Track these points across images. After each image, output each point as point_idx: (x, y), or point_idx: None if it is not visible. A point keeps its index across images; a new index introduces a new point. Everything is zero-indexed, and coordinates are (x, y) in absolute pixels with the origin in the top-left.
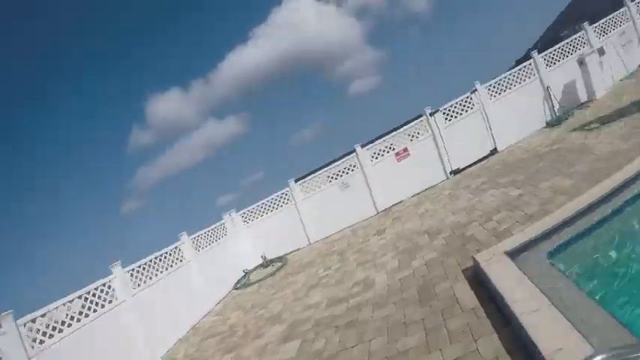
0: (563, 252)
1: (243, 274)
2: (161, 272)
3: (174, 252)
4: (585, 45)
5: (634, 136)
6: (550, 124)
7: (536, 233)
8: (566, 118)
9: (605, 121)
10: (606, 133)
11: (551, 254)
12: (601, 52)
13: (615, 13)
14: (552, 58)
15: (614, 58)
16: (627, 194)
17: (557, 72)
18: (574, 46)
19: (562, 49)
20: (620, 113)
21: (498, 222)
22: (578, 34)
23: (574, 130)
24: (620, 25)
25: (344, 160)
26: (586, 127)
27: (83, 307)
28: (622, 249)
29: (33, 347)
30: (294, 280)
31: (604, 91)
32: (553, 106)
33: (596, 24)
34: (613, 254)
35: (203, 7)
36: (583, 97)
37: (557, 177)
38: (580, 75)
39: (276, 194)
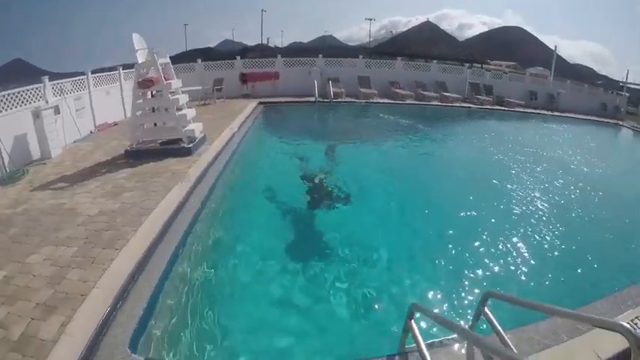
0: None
1: None
2: None
3: None
4: (41, 99)
5: (120, 195)
6: (1, 182)
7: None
8: (21, 176)
9: (76, 180)
10: (85, 193)
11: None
12: (57, 110)
13: (75, 78)
14: (5, 101)
15: (68, 119)
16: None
17: (8, 120)
18: (30, 97)
19: (17, 96)
20: (91, 172)
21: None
22: (36, 86)
23: (37, 189)
24: (78, 91)
25: None
26: (53, 187)
27: None
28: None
29: None
30: None
31: (60, 150)
32: (3, 160)
33: (55, 82)
34: None
35: None
36: (36, 154)
37: (49, 246)
38: (34, 129)
39: None
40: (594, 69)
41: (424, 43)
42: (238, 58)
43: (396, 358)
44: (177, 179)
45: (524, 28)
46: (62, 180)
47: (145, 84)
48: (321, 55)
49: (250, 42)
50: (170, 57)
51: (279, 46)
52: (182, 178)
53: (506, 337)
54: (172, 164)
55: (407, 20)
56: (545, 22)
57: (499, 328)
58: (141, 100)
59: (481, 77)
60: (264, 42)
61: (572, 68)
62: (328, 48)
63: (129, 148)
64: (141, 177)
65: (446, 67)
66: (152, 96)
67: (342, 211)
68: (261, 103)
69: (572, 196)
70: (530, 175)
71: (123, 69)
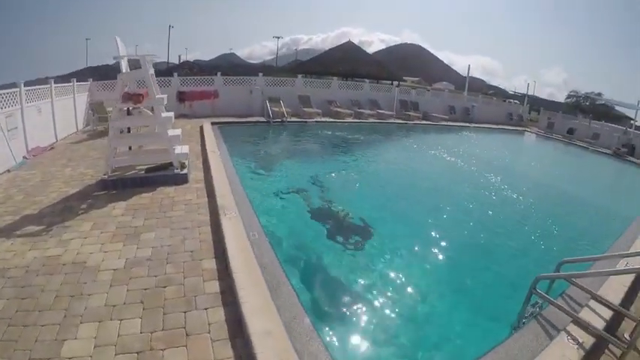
0: None
1: None
2: None
3: None
4: None
5: (139, 237)
6: None
7: None
8: None
9: (52, 220)
10: (80, 238)
11: None
12: None
13: (5, 91)
14: None
15: (1, 142)
16: None
17: None
18: None
19: None
20: (67, 209)
21: None
22: None
23: None
24: (9, 107)
25: None
26: (20, 232)
27: None
28: None
29: None
30: None
31: None
32: None
33: None
34: None
35: None
36: None
37: (85, 324)
38: None
39: None
40: (485, 80)
41: (347, 62)
42: (175, 75)
43: (529, 326)
44: (197, 211)
45: (421, 45)
46: (28, 222)
47: (135, 98)
48: (261, 74)
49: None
50: (62, 75)
51: (177, 63)
52: (198, 209)
53: (566, 307)
54: (173, 194)
55: (308, 38)
56: (439, 39)
57: (555, 301)
58: (118, 120)
59: (408, 95)
60: (170, 60)
61: (464, 80)
62: (229, 66)
63: (106, 177)
64: (146, 212)
65: (377, 85)
66: (128, 113)
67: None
68: (213, 123)
69: (503, 186)
70: (475, 173)
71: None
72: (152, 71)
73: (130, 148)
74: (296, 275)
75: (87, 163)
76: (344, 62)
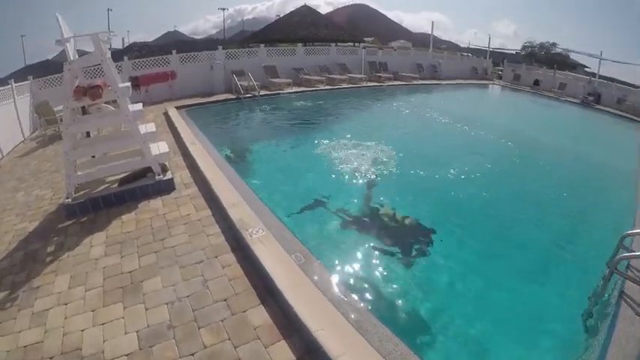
0: None
1: None
2: None
3: None
4: None
5: (138, 290)
6: None
7: None
8: None
9: (15, 277)
10: (58, 306)
11: None
12: None
13: None
14: None
15: None
16: None
17: None
18: None
19: None
20: (29, 255)
21: None
22: None
23: None
24: None
25: None
26: None
27: None
28: None
29: None
30: None
31: None
32: None
33: None
34: None
35: None
36: None
37: None
38: None
39: None
40: (436, 35)
41: (305, 27)
42: (126, 58)
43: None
44: (205, 231)
45: (369, 5)
46: None
47: (92, 92)
48: (220, 47)
49: (90, 48)
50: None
51: (121, 47)
52: (204, 228)
53: None
54: (162, 209)
55: (252, 7)
56: None
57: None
58: (73, 124)
59: (375, 56)
60: (113, 45)
61: (416, 37)
62: (177, 43)
63: (70, 201)
64: (137, 244)
65: (343, 48)
66: (84, 112)
67: None
68: (178, 107)
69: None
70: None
71: None
72: (109, 54)
73: (93, 156)
74: (382, 307)
75: (42, 182)
76: (302, 27)
